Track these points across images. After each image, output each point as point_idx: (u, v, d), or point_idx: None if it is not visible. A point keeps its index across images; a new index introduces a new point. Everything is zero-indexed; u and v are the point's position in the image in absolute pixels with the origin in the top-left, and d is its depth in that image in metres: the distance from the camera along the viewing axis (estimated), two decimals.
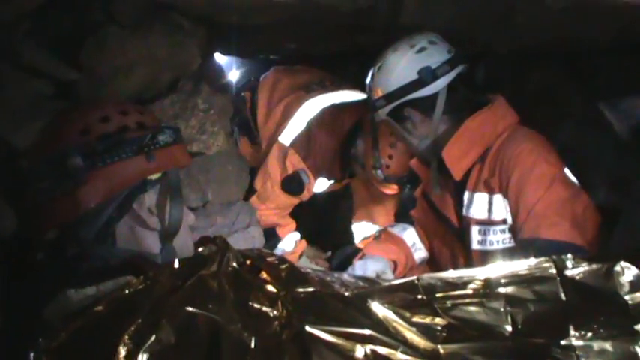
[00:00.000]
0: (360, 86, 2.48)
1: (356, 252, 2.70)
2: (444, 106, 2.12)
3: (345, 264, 2.65)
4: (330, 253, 3.24)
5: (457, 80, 2.12)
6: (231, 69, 3.47)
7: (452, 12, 2.20)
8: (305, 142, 2.86)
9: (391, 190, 2.99)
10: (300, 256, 3.02)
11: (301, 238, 3.08)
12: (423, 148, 2.22)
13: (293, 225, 3.07)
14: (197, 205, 2.61)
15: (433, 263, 2.54)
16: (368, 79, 2.28)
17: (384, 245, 2.53)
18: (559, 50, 2.65)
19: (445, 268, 1.95)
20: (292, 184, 2.88)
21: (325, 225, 3.55)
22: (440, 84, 2.09)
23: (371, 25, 2.43)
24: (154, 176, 1.41)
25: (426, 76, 2.08)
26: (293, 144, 2.85)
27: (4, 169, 1.90)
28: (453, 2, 2.13)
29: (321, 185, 3.05)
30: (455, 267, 2.24)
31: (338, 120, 2.89)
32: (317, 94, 2.90)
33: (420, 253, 2.54)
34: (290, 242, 3.00)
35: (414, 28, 2.22)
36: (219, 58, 3.21)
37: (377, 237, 2.67)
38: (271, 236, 2.96)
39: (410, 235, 2.54)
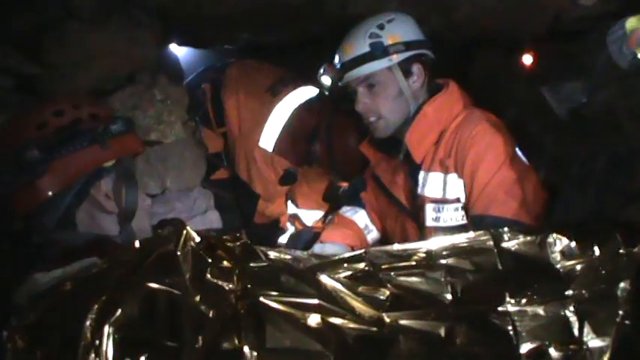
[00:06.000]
0: (313, 78, 2.51)
1: (314, 236, 2.77)
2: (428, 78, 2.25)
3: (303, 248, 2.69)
4: None
5: None
6: (187, 59, 3.49)
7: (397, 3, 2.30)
8: (284, 144, 3.06)
9: (344, 184, 3.13)
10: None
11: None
12: (397, 120, 2.25)
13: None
14: (156, 193, 2.67)
15: (386, 243, 2.52)
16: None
17: (339, 231, 2.58)
18: (501, 39, 2.74)
19: None
20: (287, 179, 3.14)
21: None
22: None
23: (322, 16, 2.50)
24: (109, 163, 1.50)
25: None
26: (275, 149, 3.06)
27: None
28: None
29: None
30: None
31: (304, 120, 3.07)
32: (284, 96, 3.06)
33: (372, 234, 2.62)
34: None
35: (363, 18, 2.28)
36: (175, 48, 3.23)
37: (330, 221, 2.74)
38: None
39: (361, 218, 2.61)
